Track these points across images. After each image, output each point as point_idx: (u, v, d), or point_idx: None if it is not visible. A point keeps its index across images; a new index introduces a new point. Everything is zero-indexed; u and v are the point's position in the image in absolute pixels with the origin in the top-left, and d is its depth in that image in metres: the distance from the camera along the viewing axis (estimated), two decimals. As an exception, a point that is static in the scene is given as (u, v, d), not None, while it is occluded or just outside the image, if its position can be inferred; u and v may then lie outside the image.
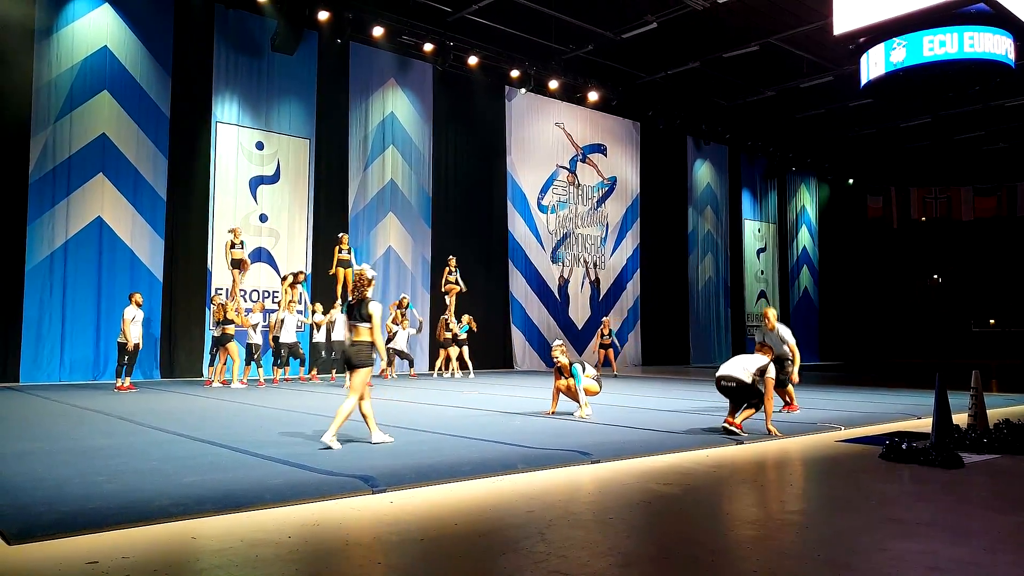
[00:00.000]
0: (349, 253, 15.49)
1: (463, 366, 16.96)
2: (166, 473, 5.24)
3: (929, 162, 30.56)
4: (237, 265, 14.84)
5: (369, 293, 6.63)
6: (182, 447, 6.46)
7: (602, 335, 18.61)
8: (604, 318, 19.62)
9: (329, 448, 6.22)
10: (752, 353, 7.93)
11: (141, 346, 12.98)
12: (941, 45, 12.93)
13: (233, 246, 14.84)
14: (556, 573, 3.32)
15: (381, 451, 6.30)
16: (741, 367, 7.53)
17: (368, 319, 6.49)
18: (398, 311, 16.32)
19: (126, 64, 15.13)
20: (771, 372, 7.63)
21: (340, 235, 15.70)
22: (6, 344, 13.66)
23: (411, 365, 16.84)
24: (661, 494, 5.09)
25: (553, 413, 9.07)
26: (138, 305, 12.68)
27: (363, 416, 6.63)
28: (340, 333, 14.88)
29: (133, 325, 12.46)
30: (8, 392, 11.98)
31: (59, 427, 7.90)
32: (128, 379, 12.59)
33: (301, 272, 15.25)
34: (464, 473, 5.40)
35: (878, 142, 28.59)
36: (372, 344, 6.53)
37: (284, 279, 15.06)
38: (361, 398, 6.55)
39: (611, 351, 18.59)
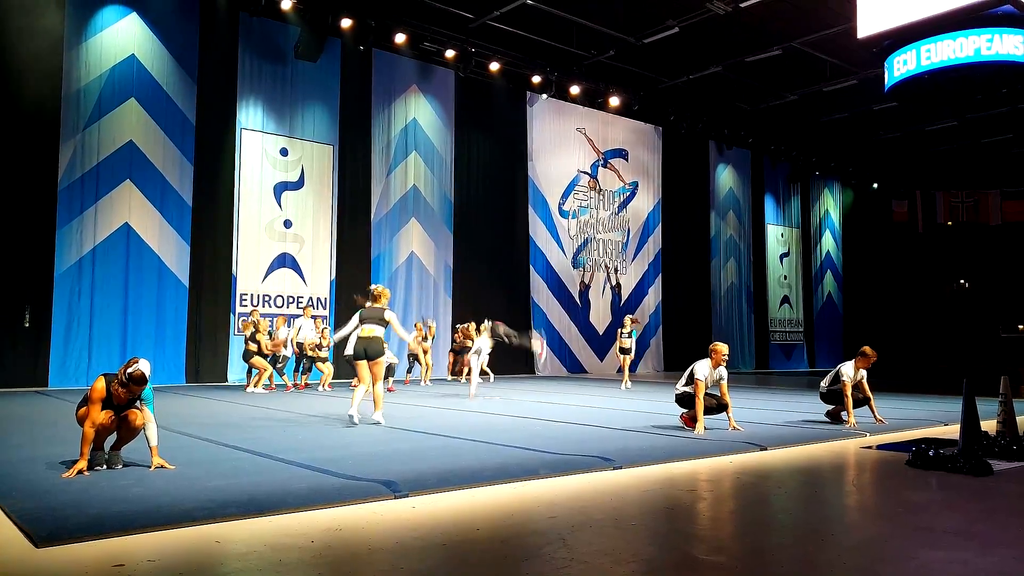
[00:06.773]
0: None
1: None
2: (191, 477, 5.28)
3: (956, 165, 30.11)
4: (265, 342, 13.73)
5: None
6: (206, 451, 6.52)
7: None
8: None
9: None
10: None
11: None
12: (962, 48, 12.81)
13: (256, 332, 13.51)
14: (578, 579, 3.30)
15: (403, 456, 6.32)
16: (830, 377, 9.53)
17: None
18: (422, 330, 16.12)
19: (153, 72, 15.33)
20: (845, 376, 9.44)
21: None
22: (36, 349, 13.86)
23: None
24: (684, 501, 5.06)
25: None
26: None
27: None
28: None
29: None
30: (37, 396, 12.16)
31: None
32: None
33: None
34: (486, 478, 5.39)
35: (903, 146, 28.24)
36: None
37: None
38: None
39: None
